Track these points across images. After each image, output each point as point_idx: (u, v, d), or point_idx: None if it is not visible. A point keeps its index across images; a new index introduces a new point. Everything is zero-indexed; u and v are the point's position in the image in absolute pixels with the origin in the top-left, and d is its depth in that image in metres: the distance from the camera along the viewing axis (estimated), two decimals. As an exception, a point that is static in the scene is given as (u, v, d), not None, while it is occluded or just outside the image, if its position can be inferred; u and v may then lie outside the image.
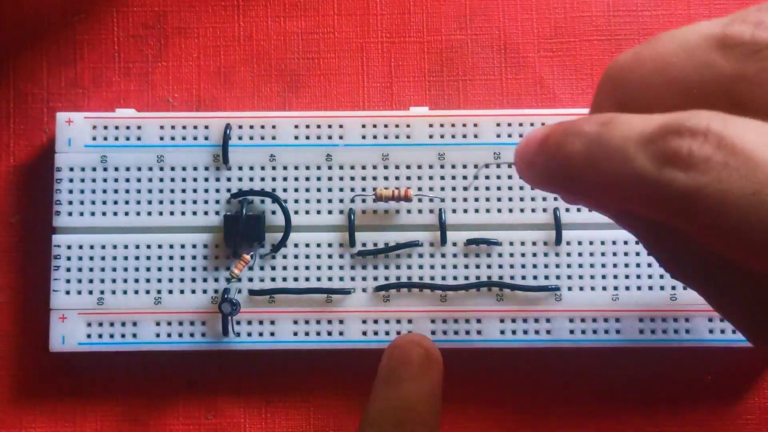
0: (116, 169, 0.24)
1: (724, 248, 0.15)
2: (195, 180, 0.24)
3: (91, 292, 0.24)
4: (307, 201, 0.24)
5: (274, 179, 0.24)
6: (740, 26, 0.16)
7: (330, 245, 0.24)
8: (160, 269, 0.24)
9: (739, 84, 0.15)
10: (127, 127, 0.24)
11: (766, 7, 0.16)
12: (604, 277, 0.24)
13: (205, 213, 0.24)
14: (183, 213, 0.24)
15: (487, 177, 0.24)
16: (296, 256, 0.24)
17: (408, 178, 0.24)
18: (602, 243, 0.24)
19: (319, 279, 0.24)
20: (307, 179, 0.24)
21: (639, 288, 0.24)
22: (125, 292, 0.24)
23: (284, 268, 0.24)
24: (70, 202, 0.24)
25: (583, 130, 0.17)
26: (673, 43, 0.17)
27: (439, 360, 0.22)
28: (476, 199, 0.24)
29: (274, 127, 0.24)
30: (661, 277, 0.23)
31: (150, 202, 0.24)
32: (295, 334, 0.24)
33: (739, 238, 0.14)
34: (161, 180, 0.24)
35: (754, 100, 0.15)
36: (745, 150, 0.14)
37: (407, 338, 0.23)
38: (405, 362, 0.22)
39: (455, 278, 0.24)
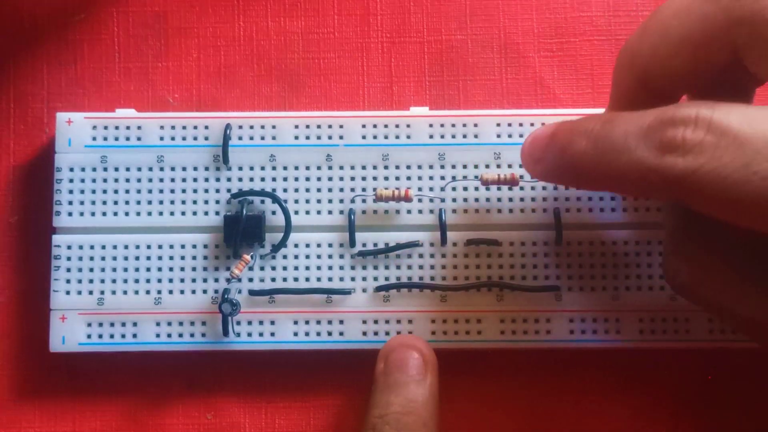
0: (116, 169, 0.24)
1: (728, 216, 0.16)
2: (195, 180, 0.24)
3: (91, 293, 0.24)
4: (307, 201, 0.24)
5: (274, 179, 0.24)
6: None
7: (330, 245, 0.24)
8: (160, 269, 0.24)
9: (734, 28, 0.17)
10: (127, 127, 0.24)
11: None
12: (604, 277, 0.24)
13: (205, 213, 0.24)
14: (183, 213, 0.24)
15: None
16: (296, 257, 0.24)
17: (408, 178, 0.24)
18: (602, 243, 0.24)
19: (319, 279, 0.24)
20: (307, 179, 0.24)
21: (639, 288, 0.24)
22: (125, 292, 0.24)
23: (284, 268, 0.24)
24: (70, 202, 0.24)
25: (588, 129, 0.19)
26: (671, 8, 0.18)
27: (435, 361, 0.22)
28: (476, 200, 0.24)
29: (274, 127, 0.24)
30: (661, 277, 0.23)
31: (150, 202, 0.24)
32: (295, 334, 0.24)
33: (739, 205, 0.16)
34: (161, 180, 0.24)
35: (749, 44, 0.17)
36: (731, 130, 0.16)
37: (401, 341, 0.23)
38: (401, 367, 0.22)
39: (455, 278, 0.24)
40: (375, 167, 0.24)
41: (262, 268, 0.24)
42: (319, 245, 0.24)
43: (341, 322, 0.24)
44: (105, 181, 0.24)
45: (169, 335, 0.24)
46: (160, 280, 0.24)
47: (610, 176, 0.18)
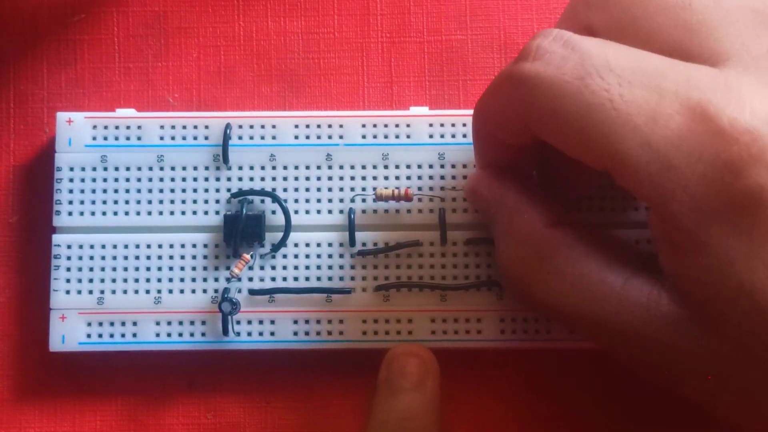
0: (116, 168, 0.24)
1: (552, 126, 0.17)
2: (195, 180, 0.24)
3: (91, 292, 0.24)
4: (307, 201, 0.24)
5: (274, 179, 0.24)
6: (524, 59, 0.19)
7: (330, 245, 0.24)
8: (160, 269, 0.24)
9: (524, 118, 0.18)
10: (127, 127, 0.24)
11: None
12: (604, 276, 0.24)
13: (205, 213, 0.24)
14: (183, 213, 0.24)
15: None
16: (296, 256, 0.24)
17: (408, 178, 0.24)
18: (602, 243, 0.24)
19: (319, 279, 0.24)
20: (307, 179, 0.24)
21: (639, 288, 0.24)
22: (125, 292, 0.24)
23: (284, 267, 0.24)
24: (70, 202, 0.24)
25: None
26: (489, 92, 0.20)
27: (437, 369, 0.22)
28: (476, 199, 0.24)
29: (274, 127, 0.24)
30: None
31: (150, 202, 0.24)
32: (295, 334, 0.24)
33: (563, 114, 0.17)
34: (161, 180, 0.24)
35: (540, 133, 0.18)
36: (582, 47, 0.17)
37: (404, 349, 0.23)
38: (403, 373, 0.22)
39: (455, 278, 0.24)
40: (375, 167, 0.24)
41: (262, 268, 0.24)
42: (319, 245, 0.24)
43: (341, 321, 0.24)
44: (105, 180, 0.24)
45: (169, 335, 0.24)
46: (159, 280, 0.24)
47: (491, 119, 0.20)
